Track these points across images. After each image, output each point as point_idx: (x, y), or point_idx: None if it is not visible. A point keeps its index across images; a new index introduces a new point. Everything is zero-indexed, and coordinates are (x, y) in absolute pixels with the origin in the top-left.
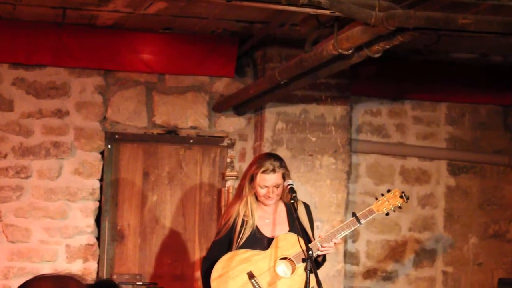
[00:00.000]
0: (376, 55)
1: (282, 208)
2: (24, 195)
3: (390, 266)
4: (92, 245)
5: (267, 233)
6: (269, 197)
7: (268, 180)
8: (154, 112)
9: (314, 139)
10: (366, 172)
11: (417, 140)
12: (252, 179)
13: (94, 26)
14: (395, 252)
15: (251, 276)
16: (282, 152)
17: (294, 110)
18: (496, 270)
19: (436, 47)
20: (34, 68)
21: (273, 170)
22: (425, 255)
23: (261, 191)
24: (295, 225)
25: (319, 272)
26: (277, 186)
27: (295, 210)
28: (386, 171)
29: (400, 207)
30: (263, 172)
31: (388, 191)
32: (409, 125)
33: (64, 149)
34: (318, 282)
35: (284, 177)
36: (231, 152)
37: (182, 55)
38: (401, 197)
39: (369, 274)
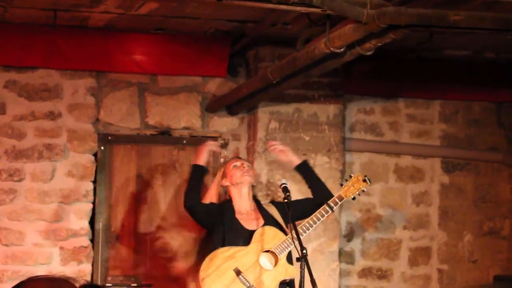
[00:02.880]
0: (368, 53)
1: (254, 206)
2: (18, 198)
3: (385, 265)
4: (86, 247)
5: (247, 225)
6: (245, 170)
7: (237, 161)
8: (147, 113)
9: (307, 138)
10: (360, 171)
11: (411, 138)
12: (225, 175)
13: (86, 28)
14: (390, 250)
15: (238, 272)
16: None
17: (287, 109)
18: (492, 267)
19: (429, 45)
20: (26, 70)
21: (238, 158)
22: (420, 253)
23: (237, 173)
24: (269, 218)
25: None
26: (248, 165)
27: (289, 209)
28: (380, 170)
29: (364, 191)
30: (230, 161)
31: (351, 176)
32: (402, 123)
33: (57, 151)
34: (313, 281)
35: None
36: (224, 152)
37: (174, 56)
38: (364, 180)
39: (364, 272)
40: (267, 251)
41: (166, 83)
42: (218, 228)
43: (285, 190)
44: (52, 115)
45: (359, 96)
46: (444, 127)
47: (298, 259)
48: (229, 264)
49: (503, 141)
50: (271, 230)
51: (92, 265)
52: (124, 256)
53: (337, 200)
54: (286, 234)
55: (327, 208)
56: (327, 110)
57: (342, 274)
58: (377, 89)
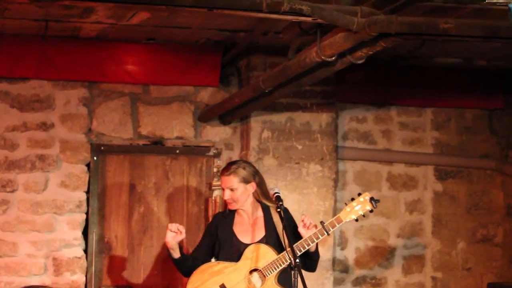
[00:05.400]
0: (360, 61)
1: (260, 213)
2: (11, 208)
3: (379, 273)
4: (79, 257)
5: (245, 239)
6: (226, 200)
7: (223, 181)
8: (139, 123)
9: (300, 147)
10: (353, 179)
11: (403, 146)
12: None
13: (78, 38)
14: (384, 258)
15: None
16: (268, 161)
17: (279, 118)
18: (485, 274)
19: (420, 52)
20: (18, 81)
21: (227, 171)
22: (414, 261)
23: (223, 195)
24: (272, 231)
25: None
26: (231, 189)
27: (282, 219)
28: (373, 178)
29: (371, 211)
30: (221, 173)
31: (359, 194)
32: (395, 131)
33: (49, 162)
34: None
35: (244, 182)
36: (217, 162)
37: (166, 65)
38: (371, 201)
39: (358, 281)
40: (256, 269)
41: (159, 93)
42: (215, 242)
43: (278, 199)
44: (45, 126)
45: (352, 105)
46: (436, 135)
47: (291, 268)
48: (216, 280)
49: (496, 148)
50: (263, 248)
51: (86, 276)
52: (118, 267)
53: (336, 223)
54: (281, 245)
55: (324, 231)
56: (320, 119)
57: (336, 282)
58: (369, 97)
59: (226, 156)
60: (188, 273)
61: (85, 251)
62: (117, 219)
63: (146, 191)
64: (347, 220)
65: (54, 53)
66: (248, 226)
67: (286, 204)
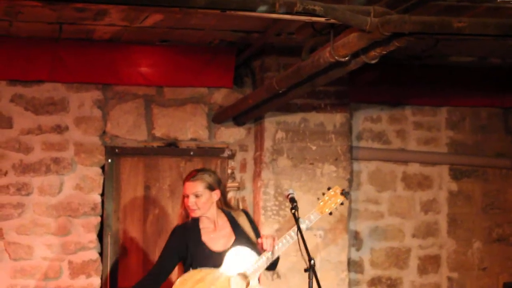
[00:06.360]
0: (373, 61)
1: (224, 219)
2: (26, 212)
3: (395, 274)
4: (95, 260)
5: (215, 247)
6: (189, 207)
7: (187, 187)
8: (153, 125)
9: (314, 148)
10: (368, 179)
11: (418, 146)
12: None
13: (91, 40)
14: (399, 259)
15: None
16: (282, 162)
17: (293, 118)
18: (501, 274)
19: (434, 52)
20: (32, 84)
21: (193, 176)
22: (429, 261)
23: (186, 202)
24: (241, 234)
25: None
26: (197, 195)
27: (297, 220)
28: (388, 178)
29: (342, 204)
30: (185, 178)
31: (328, 189)
32: (409, 130)
33: (64, 164)
34: None
35: (210, 189)
36: (232, 163)
37: (180, 67)
38: (341, 194)
39: (373, 282)
40: (239, 273)
41: (172, 95)
42: (187, 254)
43: (292, 200)
44: (59, 129)
45: (366, 104)
46: (451, 134)
47: (306, 270)
48: (201, 287)
49: (511, 147)
50: (243, 250)
51: (101, 278)
52: (133, 269)
53: (312, 218)
54: (256, 247)
55: (303, 226)
56: (334, 119)
57: (351, 283)
58: (383, 97)
59: (241, 157)
60: None
61: (101, 253)
62: (132, 222)
63: (160, 193)
64: (323, 214)
65: (68, 55)
66: (215, 234)
67: (300, 205)
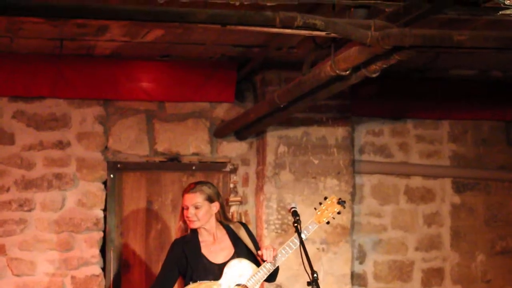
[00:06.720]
0: (374, 75)
1: (223, 232)
2: (28, 228)
3: (398, 287)
4: (97, 275)
5: (215, 259)
6: (188, 218)
7: (187, 199)
8: (155, 140)
9: (316, 162)
10: (370, 193)
11: (420, 159)
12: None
13: (92, 56)
14: (403, 272)
15: None
16: (285, 176)
17: (295, 133)
18: (505, 286)
19: (435, 65)
20: (34, 100)
21: (193, 188)
22: (433, 274)
23: (185, 213)
24: (240, 246)
25: None
26: (196, 207)
27: (299, 233)
28: (390, 191)
29: (339, 213)
30: (184, 190)
31: (325, 198)
32: (412, 144)
33: (66, 180)
34: None
35: (209, 200)
36: (234, 177)
37: (181, 82)
38: (338, 203)
39: None
40: (239, 284)
41: (174, 110)
42: (186, 267)
43: (295, 214)
44: (61, 144)
45: (367, 118)
46: (453, 147)
47: (308, 283)
48: None
49: None
50: (243, 262)
51: None
52: (136, 284)
53: (310, 228)
54: (256, 259)
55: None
56: (336, 133)
57: None
58: (385, 111)
59: (243, 171)
60: None
61: (103, 269)
62: (134, 237)
63: (163, 208)
64: (321, 223)
65: (69, 71)
66: (215, 246)
67: (303, 218)
